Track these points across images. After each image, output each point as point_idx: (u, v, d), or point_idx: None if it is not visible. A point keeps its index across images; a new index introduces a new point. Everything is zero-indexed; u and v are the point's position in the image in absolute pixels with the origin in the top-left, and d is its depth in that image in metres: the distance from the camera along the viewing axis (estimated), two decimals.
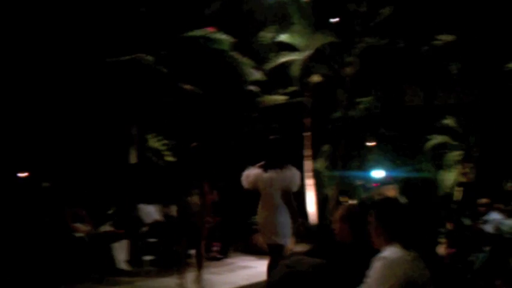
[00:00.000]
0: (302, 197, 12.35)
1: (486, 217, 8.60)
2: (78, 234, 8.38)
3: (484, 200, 8.73)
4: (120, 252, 8.94)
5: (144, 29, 10.51)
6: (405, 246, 3.12)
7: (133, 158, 10.88)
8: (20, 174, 10.53)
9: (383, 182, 13.19)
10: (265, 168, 6.03)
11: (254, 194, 6.37)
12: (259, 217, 6.18)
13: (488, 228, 8.45)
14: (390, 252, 3.04)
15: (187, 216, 7.03)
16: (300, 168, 12.87)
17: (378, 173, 13.73)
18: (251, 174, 6.14)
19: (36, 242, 7.86)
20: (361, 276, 3.05)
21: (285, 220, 6.04)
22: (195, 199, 6.97)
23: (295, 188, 6.08)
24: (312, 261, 2.35)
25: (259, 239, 7.67)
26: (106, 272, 8.53)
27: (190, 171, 6.97)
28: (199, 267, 7.29)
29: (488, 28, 11.80)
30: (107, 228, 9.11)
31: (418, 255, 3.15)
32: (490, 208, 8.70)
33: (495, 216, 8.58)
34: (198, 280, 7.30)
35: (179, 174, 7.22)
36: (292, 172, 6.10)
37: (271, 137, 6.35)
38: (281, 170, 6.00)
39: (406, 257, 3.05)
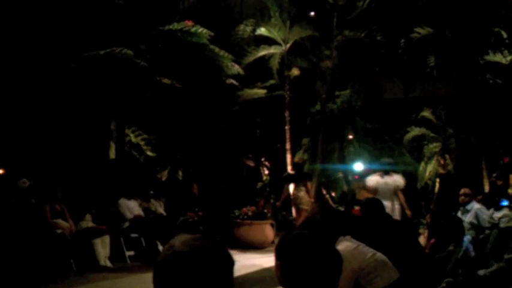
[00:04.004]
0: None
1: (467, 207, 8.67)
2: (58, 231, 8.23)
3: (466, 190, 8.80)
4: (102, 248, 8.83)
5: (122, 23, 10.38)
6: (354, 236, 3.47)
7: (112, 153, 10.77)
8: None
9: (363, 175, 13.23)
10: (382, 175, 9.32)
11: (234, 188, 8.15)
12: None
13: (469, 217, 8.54)
14: (342, 246, 3.31)
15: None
16: (284, 161, 12.99)
17: (358, 166, 13.79)
18: (373, 180, 9.40)
19: (16, 239, 7.71)
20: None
21: (398, 207, 9.41)
22: (302, 192, 10.41)
23: (401, 187, 9.33)
24: (191, 239, 2.31)
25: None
26: (87, 268, 8.42)
27: (297, 176, 10.79)
28: None
29: (464, 21, 11.89)
30: (88, 224, 8.98)
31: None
32: (471, 198, 8.79)
33: (476, 206, 8.67)
34: None
35: (290, 178, 11.01)
36: (398, 177, 9.42)
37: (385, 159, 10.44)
38: (390, 176, 9.32)
39: (354, 247, 3.38)
